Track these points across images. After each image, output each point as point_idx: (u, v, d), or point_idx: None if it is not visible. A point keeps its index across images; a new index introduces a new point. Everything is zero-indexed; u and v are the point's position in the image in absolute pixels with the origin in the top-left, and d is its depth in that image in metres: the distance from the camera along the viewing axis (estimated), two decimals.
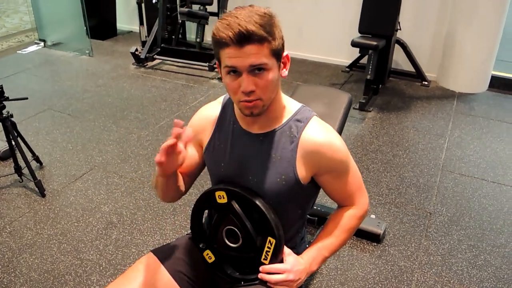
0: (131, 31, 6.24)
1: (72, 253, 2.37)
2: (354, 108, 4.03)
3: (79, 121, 3.75)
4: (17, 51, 5.51)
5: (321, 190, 1.43)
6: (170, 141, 1.20)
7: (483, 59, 4.39)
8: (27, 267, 2.27)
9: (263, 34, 1.13)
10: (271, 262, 1.30)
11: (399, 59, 4.79)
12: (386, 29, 4.11)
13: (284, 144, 1.30)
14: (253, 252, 1.32)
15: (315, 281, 2.21)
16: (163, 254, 1.45)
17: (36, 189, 2.80)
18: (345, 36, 4.31)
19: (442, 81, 4.65)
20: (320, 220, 2.51)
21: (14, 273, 2.23)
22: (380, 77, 4.37)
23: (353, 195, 1.41)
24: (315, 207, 2.55)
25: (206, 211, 1.44)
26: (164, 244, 1.54)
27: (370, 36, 4.05)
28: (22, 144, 2.85)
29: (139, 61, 5.02)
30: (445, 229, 2.58)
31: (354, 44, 3.95)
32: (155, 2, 5.02)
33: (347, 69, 4.96)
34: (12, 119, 2.75)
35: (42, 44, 5.68)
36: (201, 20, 4.98)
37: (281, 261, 1.32)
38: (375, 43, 3.89)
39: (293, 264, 1.30)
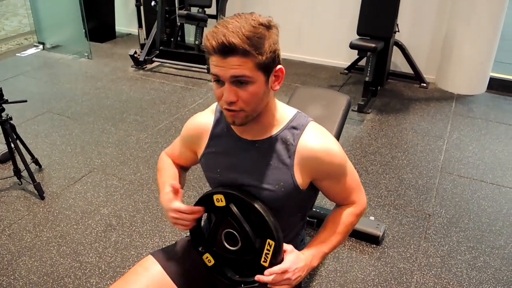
0: (130, 34, 6.25)
1: (71, 256, 2.36)
2: (352, 110, 4.04)
3: (78, 124, 3.76)
4: (16, 54, 5.51)
5: (320, 192, 1.44)
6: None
7: (481, 60, 4.40)
8: (27, 270, 2.27)
9: (246, 48, 1.11)
10: (270, 264, 1.30)
11: (397, 61, 4.80)
12: (384, 31, 4.12)
13: (281, 152, 1.29)
14: (252, 254, 1.32)
15: (314, 283, 2.21)
16: (163, 256, 1.45)
17: (35, 191, 2.80)
18: (344, 38, 4.32)
19: (440, 83, 4.66)
20: (319, 222, 2.50)
21: (13, 276, 2.23)
22: (379, 79, 4.37)
23: (352, 195, 1.42)
24: (314, 209, 2.55)
25: (205, 214, 1.45)
26: (164, 246, 1.54)
27: (369, 38, 4.06)
28: (21, 147, 2.85)
29: (138, 64, 5.02)
30: (444, 231, 2.58)
31: (352, 46, 3.96)
32: (154, 5, 5.02)
33: (345, 71, 4.96)
34: (11, 121, 2.75)
35: (41, 46, 5.69)
36: (200, 23, 4.99)
37: (281, 261, 1.31)
38: (373, 45, 3.90)
39: (292, 261, 1.28)
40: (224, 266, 1.41)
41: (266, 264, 1.30)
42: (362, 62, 4.50)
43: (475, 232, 2.58)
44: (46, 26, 5.70)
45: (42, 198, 2.81)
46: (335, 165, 1.31)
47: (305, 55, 5.27)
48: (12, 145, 2.78)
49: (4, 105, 2.69)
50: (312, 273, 2.26)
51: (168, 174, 1.52)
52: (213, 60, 1.15)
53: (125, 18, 6.21)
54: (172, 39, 5.43)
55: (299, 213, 1.45)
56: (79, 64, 5.22)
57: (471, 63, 4.41)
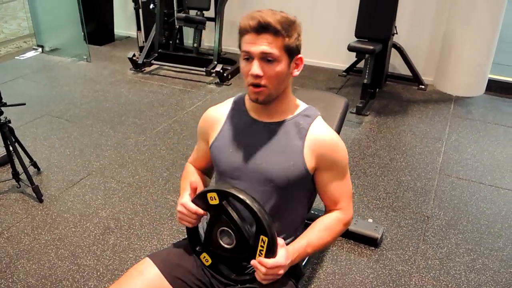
0: (129, 37, 6.25)
1: (69, 259, 2.36)
2: (351, 112, 4.04)
3: (76, 127, 3.76)
4: (15, 57, 5.52)
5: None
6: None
7: (480, 62, 4.41)
8: (25, 273, 2.26)
9: (278, 28, 1.27)
10: None
11: (396, 63, 4.81)
12: (382, 33, 4.12)
13: (294, 134, 1.40)
14: (248, 251, 1.32)
15: (312, 286, 2.21)
16: (160, 259, 1.45)
17: (34, 194, 2.80)
18: (342, 40, 4.32)
19: (439, 85, 4.66)
20: None
21: (11, 279, 2.22)
22: (377, 81, 4.37)
23: (343, 201, 1.47)
24: (312, 211, 2.55)
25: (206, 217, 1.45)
26: (161, 249, 1.54)
27: (367, 40, 4.06)
28: (19, 150, 2.84)
29: (137, 67, 5.03)
30: (443, 233, 2.58)
31: (350, 48, 3.96)
32: (152, 8, 5.03)
33: (344, 73, 4.97)
34: (10, 124, 2.75)
35: (40, 50, 5.69)
36: (198, 26, 5.00)
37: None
38: (371, 47, 3.90)
39: (285, 257, 1.30)
40: (221, 265, 1.42)
41: None
42: (361, 64, 4.50)
43: (474, 234, 2.57)
44: (45, 29, 5.71)
45: (41, 201, 2.80)
46: (339, 158, 1.42)
47: (304, 57, 5.25)
48: (11, 148, 2.78)
49: (2, 108, 2.69)
50: (310, 275, 2.26)
51: (189, 180, 1.52)
52: (246, 38, 1.30)
53: (124, 21, 6.22)
54: (170, 42, 5.44)
55: (305, 200, 1.50)
56: (78, 67, 5.22)
57: (470, 65, 4.42)
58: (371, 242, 2.46)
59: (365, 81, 4.09)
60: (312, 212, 2.54)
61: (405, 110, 4.17)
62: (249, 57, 1.31)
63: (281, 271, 1.29)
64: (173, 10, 5.39)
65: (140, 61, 4.98)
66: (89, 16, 5.53)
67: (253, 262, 1.28)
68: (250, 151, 1.42)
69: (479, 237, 2.56)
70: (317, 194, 1.56)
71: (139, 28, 5.38)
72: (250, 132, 1.44)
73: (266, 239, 1.28)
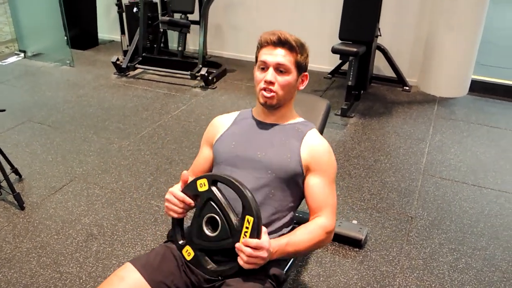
0: (113, 41, 6.21)
1: (51, 266, 2.33)
2: (336, 114, 4.05)
3: (59, 132, 3.72)
4: None
5: None
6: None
7: (462, 63, 4.45)
8: (6, 282, 2.23)
9: (293, 44, 1.53)
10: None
11: (380, 65, 4.83)
12: (366, 35, 4.14)
13: (292, 135, 1.59)
14: (231, 237, 1.33)
15: None
16: (140, 263, 1.45)
17: (15, 202, 2.76)
18: (326, 42, 4.33)
19: (423, 86, 4.70)
20: None
21: None
22: (362, 83, 4.39)
23: (326, 208, 1.53)
24: (297, 214, 2.54)
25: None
26: (140, 255, 1.53)
27: (351, 42, 4.07)
28: (0, 157, 2.81)
29: (121, 71, 4.99)
30: (427, 233, 2.59)
31: (334, 50, 3.97)
32: (136, 11, 5.00)
33: (329, 75, 4.99)
34: None
35: (22, 55, 5.63)
36: (183, 29, 4.98)
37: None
38: (355, 49, 3.91)
39: (268, 242, 1.33)
40: (203, 258, 1.42)
41: None
42: (346, 67, 4.51)
43: (457, 234, 2.59)
44: (28, 34, 5.64)
45: (22, 208, 2.76)
46: (329, 165, 1.56)
47: None
48: None
49: None
50: (295, 278, 2.25)
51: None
52: (265, 50, 1.54)
53: (108, 25, 6.18)
54: (155, 46, 5.41)
55: (292, 198, 1.58)
56: (61, 72, 5.17)
57: (453, 66, 4.46)
58: (356, 244, 2.47)
59: (350, 83, 4.10)
60: (297, 214, 2.55)
61: (390, 112, 4.19)
62: (264, 67, 1.53)
63: (264, 255, 1.30)
64: (157, 14, 5.36)
65: (124, 65, 4.94)
66: (72, 20, 5.47)
67: (237, 245, 1.31)
68: (251, 143, 1.57)
69: (462, 236, 2.57)
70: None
71: (123, 32, 5.35)
72: (254, 130, 1.62)
73: (252, 219, 1.30)
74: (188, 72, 4.74)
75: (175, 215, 1.46)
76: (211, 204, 1.38)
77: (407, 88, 4.68)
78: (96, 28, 6.04)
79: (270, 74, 1.51)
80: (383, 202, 2.87)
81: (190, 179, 1.44)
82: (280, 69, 1.52)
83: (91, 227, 2.62)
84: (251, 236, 1.31)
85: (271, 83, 1.51)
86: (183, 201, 1.43)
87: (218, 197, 1.37)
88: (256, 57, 1.58)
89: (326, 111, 2.07)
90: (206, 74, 4.62)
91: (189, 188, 1.43)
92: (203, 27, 4.89)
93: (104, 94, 4.51)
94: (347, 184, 3.05)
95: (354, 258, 2.40)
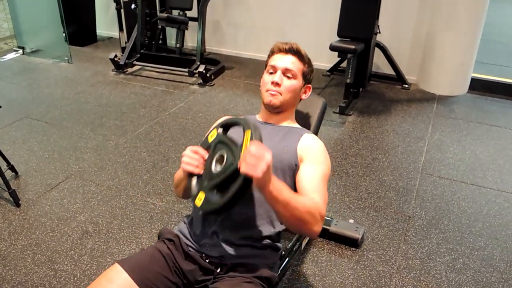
0: (111, 37, 6.20)
1: (46, 264, 2.31)
2: (334, 112, 4.04)
3: (56, 129, 3.70)
4: None
5: None
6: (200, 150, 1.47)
7: (462, 61, 4.42)
8: (0, 279, 2.21)
9: (303, 56, 1.71)
10: None
11: (379, 63, 4.81)
12: (365, 32, 4.11)
13: (291, 135, 1.67)
14: (234, 158, 1.31)
15: None
16: (129, 264, 1.43)
17: (11, 199, 2.74)
18: (325, 40, 4.31)
19: (422, 84, 4.67)
20: None
21: None
22: (361, 80, 4.37)
23: (318, 195, 1.45)
24: None
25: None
26: (131, 254, 1.51)
27: (349, 40, 4.05)
28: None
29: (119, 68, 4.97)
30: (424, 233, 2.57)
31: (332, 48, 3.94)
32: (134, 8, 4.98)
33: (328, 73, 4.96)
34: None
35: (20, 51, 5.62)
36: (181, 26, 4.96)
37: None
38: (353, 47, 3.88)
39: (266, 148, 1.25)
40: (212, 195, 1.35)
41: None
42: (344, 64, 4.49)
43: (455, 234, 2.57)
44: (26, 30, 5.63)
45: (18, 205, 2.75)
46: (322, 160, 1.59)
47: None
48: None
49: None
50: (290, 277, 2.23)
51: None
52: (276, 56, 1.70)
53: (106, 22, 6.16)
54: (153, 42, 5.39)
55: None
56: (59, 68, 5.15)
57: (453, 64, 4.44)
58: (352, 243, 2.45)
59: (348, 80, 4.08)
60: None
61: (388, 110, 4.17)
62: (273, 71, 1.67)
63: (267, 157, 1.21)
64: (155, 10, 5.34)
65: (122, 62, 4.92)
66: (71, 16, 5.46)
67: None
68: None
69: (460, 236, 2.55)
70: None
71: (121, 29, 5.32)
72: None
73: (249, 130, 1.30)
74: (186, 69, 4.72)
75: (190, 168, 1.43)
76: (219, 145, 1.43)
77: (406, 86, 4.66)
78: (95, 24, 6.03)
79: (278, 76, 1.64)
80: (380, 201, 2.85)
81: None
82: (287, 74, 1.65)
83: (87, 224, 2.60)
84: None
85: (278, 84, 1.63)
86: (196, 152, 1.45)
87: (224, 137, 1.44)
88: (266, 64, 1.72)
89: (322, 109, 2.06)
90: (204, 71, 4.60)
91: (203, 144, 1.51)
92: (201, 24, 4.86)
93: (102, 91, 4.49)
94: (344, 182, 3.03)
95: (350, 258, 2.38)
